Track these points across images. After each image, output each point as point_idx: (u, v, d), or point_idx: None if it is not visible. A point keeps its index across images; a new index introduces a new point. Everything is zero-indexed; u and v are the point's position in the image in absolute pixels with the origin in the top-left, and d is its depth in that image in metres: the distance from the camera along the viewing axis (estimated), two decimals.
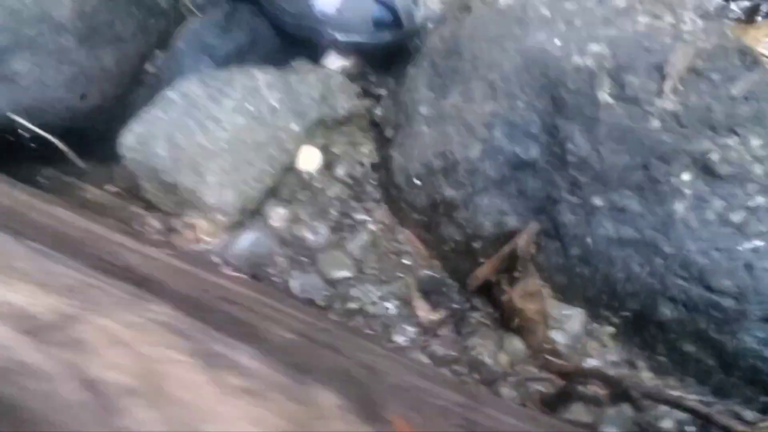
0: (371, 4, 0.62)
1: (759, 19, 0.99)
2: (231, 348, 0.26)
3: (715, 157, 0.39)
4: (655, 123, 0.40)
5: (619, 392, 0.40)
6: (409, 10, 0.63)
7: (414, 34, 0.63)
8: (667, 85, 0.39)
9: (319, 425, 0.22)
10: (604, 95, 0.42)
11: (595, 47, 0.43)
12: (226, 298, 0.35)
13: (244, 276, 0.49)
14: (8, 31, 0.58)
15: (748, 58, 0.42)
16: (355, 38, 0.64)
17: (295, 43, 0.69)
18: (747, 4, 1.02)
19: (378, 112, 0.67)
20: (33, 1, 0.59)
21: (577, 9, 0.47)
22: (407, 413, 0.26)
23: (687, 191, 0.40)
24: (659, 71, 0.40)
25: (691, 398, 0.38)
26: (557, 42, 0.45)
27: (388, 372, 0.31)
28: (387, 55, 0.66)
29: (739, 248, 0.39)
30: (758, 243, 0.39)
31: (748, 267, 0.39)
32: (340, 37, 0.64)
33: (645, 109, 0.41)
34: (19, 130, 0.58)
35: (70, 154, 0.59)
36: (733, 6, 1.02)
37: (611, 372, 0.43)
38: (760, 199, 0.39)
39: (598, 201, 0.44)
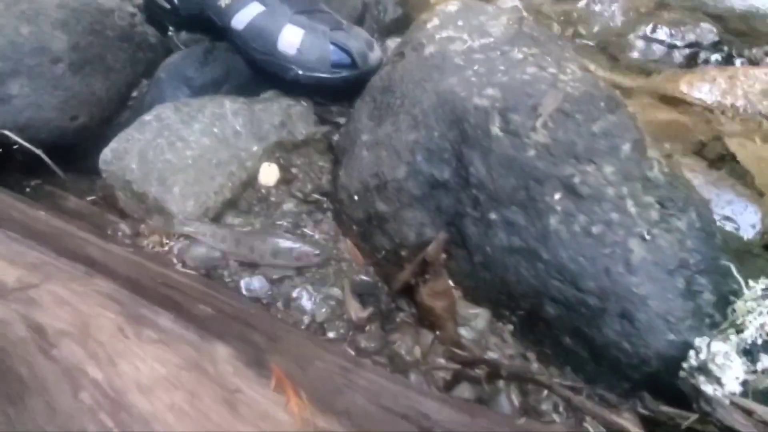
0: (329, 47, 0.72)
1: (699, 64, 1.11)
2: (154, 313, 0.34)
3: (577, 180, 0.48)
4: (531, 152, 0.49)
5: (494, 373, 0.47)
6: (362, 53, 0.73)
7: (370, 72, 0.73)
8: (539, 122, 0.48)
9: (209, 367, 0.29)
10: (495, 129, 0.51)
11: (490, 91, 0.53)
12: (166, 283, 0.42)
13: (194, 273, 0.56)
14: (9, 60, 0.68)
15: (612, 103, 0.51)
16: (316, 74, 0.73)
17: (265, 76, 0.79)
18: (686, 51, 1.15)
19: (335, 137, 0.77)
20: (32, 34, 0.69)
21: (483, 59, 0.57)
22: (291, 367, 0.33)
23: (558, 208, 0.49)
24: (535, 111, 0.50)
25: (556, 380, 0.45)
26: (464, 85, 0.55)
27: (290, 342, 0.38)
28: (348, 89, 0.76)
29: (599, 255, 0.47)
30: (612, 250, 0.47)
31: (607, 271, 0.47)
32: (301, 72, 0.73)
33: (524, 141, 0.50)
34: (10, 144, 0.67)
35: (53, 166, 0.68)
36: (676, 53, 1.15)
37: (504, 361, 0.50)
38: (613, 215, 0.47)
39: (493, 215, 0.52)
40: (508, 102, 0.51)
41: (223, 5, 0.75)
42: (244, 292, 0.60)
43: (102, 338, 0.29)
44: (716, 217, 0.65)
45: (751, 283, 0.44)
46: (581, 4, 1.15)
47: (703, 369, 0.39)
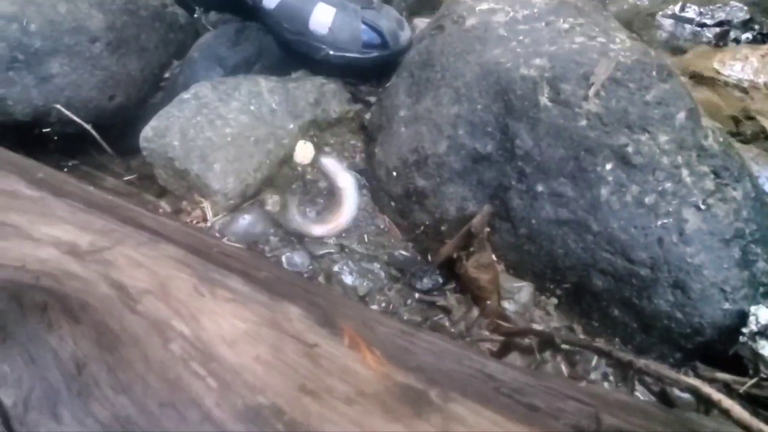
0: (360, 26, 0.72)
1: (728, 43, 1.09)
2: (224, 276, 0.34)
3: (630, 150, 0.47)
4: (583, 122, 0.49)
5: (546, 341, 0.47)
6: (394, 33, 0.72)
7: (400, 53, 0.73)
8: (592, 91, 0.48)
9: (285, 324, 0.30)
10: (544, 100, 0.51)
11: (538, 61, 0.52)
12: (222, 252, 0.43)
13: (240, 245, 0.57)
14: (48, 39, 0.68)
15: (665, 72, 0.50)
16: (346, 54, 0.73)
17: (296, 55, 0.79)
18: (716, 30, 1.12)
19: (367, 116, 0.76)
20: (69, 12, 0.70)
21: (528, 29, 0.56)
22: (359, 328, 0.33)
23: (609, 178, 0.48)
24: (586, 80, 0.49)
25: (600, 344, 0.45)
26: (509, 56, 0.54)
27: (347, 308, 0.38)
28: (377, 69, 0.75)
29: (652, 225, 0.47)
30: (666, 221, 0.46)
31: (660, 241, 0.47)
32: (332, 52, 0.73)
33: (575, 111, 0.49)
34: (49, 124, 0.67)
35: (102, 143, 0.69)
36: (706, 32, 1.13)
37: (551, 331, 0.50)
38: (667, 185, 0.47)
39: (540, 187, 0.52)
40: (558, 71, 0.50)
41: None
42: (285, 266, 0.61)
43: (180, 296, 0.30)
44: None
45: None
46: None
47: (763, 333, 0.38)
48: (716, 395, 0.29)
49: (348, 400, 0.25)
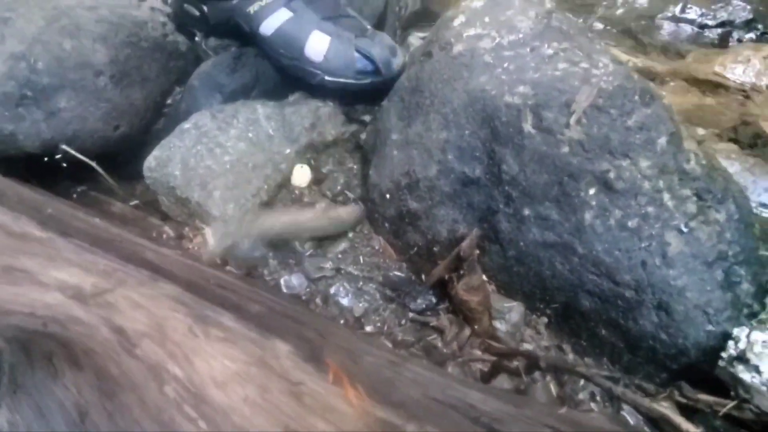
0: (354, 54, 0.74)
1: (731, 44, 1.08)
2: (217, 313, 0.36)
3: (612, 175, 0.48)
4: (565, 149, 0.50)
5: (533, 364, 0.48)
6: (386, 61, 0.75)
7: (393, 79, 0.74)
8: (573, 119, 0.49)
9: (273, 362, 0.32)
10: (528, 126, 0.52)
11: (521, 88, 0.53)
12: (219, 284, 0.45)
13: (238, 272, 0.59)
14: (55, 75, 0.71)
15: (647, 96, 0.51)
16: (341, 80, 0.75)
17: (292, 80, 0.81)
18: (718, 31, 1.12)
19: (362, 136, 0.78)
20: (74, 49, 0.73)
21: (513, 56, 0.58)
22: (344, 361, 0.35)
23: (593, 203, 0.49)
24: (568, 107, 0.50)
25: (591, 370, 0.46)
26: (494, 83, 0.56)
27: (338, 338, 0.40)
28: (371, 94, 0.78)
29: (635, 248, 0.48)
30: (649, 244, 0.47)
31: (643, 264, 0.48)
32: (328, 78, 0.76)
33: (557, 138, 0.50)
34: (59, 156, 0.70)
35: (105, 176, 0.72)
36: (707, 33, 1.12)
37: (540, 353, 0.51)
38: (649, 209, 0.48)
39: (527, 211, 0.53)
40: (540, 99, 0.52)
41: (252, 12, 0.77)
42: (284, 289, 0.63)
43: (176, 338, 0.32)
44: (753, 204, 0.64)
45: None
46: None
47: (741, 358, 0.39)
48: (685, 425, 0.30)
49: None
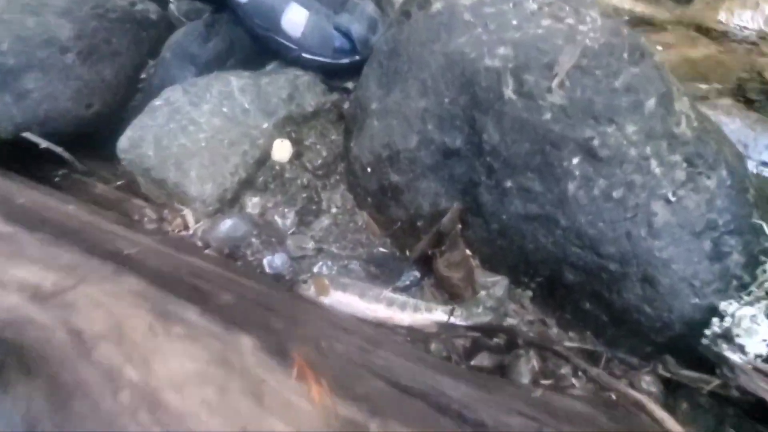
0: (332, 32, 0.70)
1: None
2: (182, 307, 0.36)
3: (596, 142, 0.45)
4: (547, 115, 0.47)
5: (512, 342, 0.47)
6: (364, 39, 0.71)
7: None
8: (555, 82, 0.45)
9: (234, 359, 0.31)
10: (509, 92, 0.48)
11: (502, 50, 0.49)
12: (191, 272, 0.44)
13: (217, 256, 0.58)
14: (21, 55, 0.68)
15: (637, 54, 0.47)
16: (318, 58, 0.72)
17: (267, 50, 0.77)
18: None
19: (345, 105, 0.75)
20: (39, 25, 0.69)
21: (494, 13, 0.53)
22: (311, 354, 0.35)
23: (576, 172, 0.47)
24: (550, 70, 0.46)
25: (572, 344, 0.46)
26: (474, 44, 0.51)
27: (309, 325, 0.40)
28: (349, 71, 0.74)
29: (620, 219, 0.46)
30: (634, 214, 0.45)
31: (628, 235, 0.46)
32: (304, 55, 0.72)
33: (539, 103, 0.47)
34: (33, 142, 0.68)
35: (71, 159, 0.70)
36: None
37: (522, 329, 0.51)
38: (635, 177, 0.45)
39: (509, 183, 0.51)
40: (521, 61, 0.48)
41: None
42: (267, 269, 0.63)
43: (135, 338, 0.31)
44: (752, 163, 0.61)
45: None
46: None
47: (726, 335, 0.38)
48: (659, 413, 0.30)
49: None
